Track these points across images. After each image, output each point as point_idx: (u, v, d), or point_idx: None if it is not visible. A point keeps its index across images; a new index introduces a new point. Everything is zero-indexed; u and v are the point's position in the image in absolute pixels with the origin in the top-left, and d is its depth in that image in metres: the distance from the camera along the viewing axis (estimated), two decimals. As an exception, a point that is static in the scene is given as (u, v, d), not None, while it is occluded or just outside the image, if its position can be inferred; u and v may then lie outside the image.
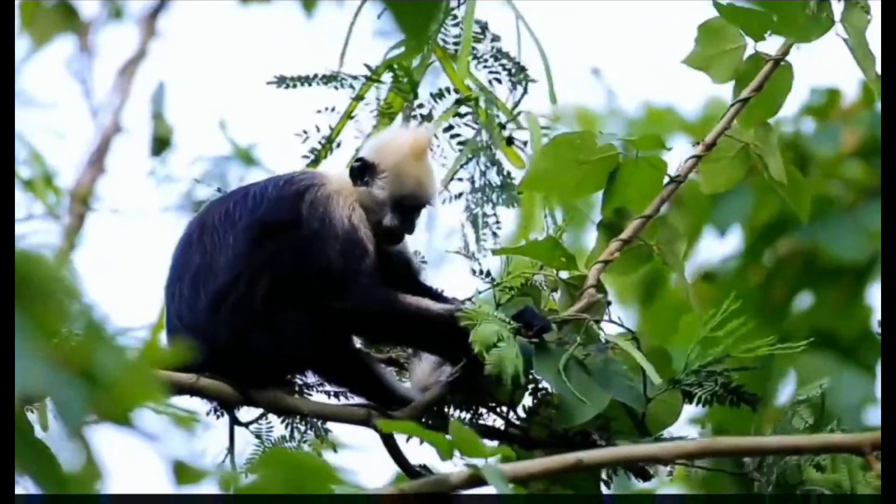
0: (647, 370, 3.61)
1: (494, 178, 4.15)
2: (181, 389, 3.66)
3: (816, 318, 7.36)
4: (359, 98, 4.20)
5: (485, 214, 4.10)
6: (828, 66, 4.15)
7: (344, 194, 3.75)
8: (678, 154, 4.07)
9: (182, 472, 2.41)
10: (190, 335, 3.68)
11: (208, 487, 2.49)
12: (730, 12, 4.00)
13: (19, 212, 6.08)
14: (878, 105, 7.35)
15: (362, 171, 3.79)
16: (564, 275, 3.91)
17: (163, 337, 3.80)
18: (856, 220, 7.30)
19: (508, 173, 4.14)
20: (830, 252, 7.28)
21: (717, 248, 7.52)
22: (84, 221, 6.40)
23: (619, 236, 3.96)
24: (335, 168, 4.02)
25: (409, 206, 3.79)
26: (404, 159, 3.80)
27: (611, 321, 3.80)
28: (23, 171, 6.08)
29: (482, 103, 4.19)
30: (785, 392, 7.24)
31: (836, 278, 7.35)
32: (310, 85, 4.16)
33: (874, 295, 7.39)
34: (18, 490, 2.38)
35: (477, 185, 4.14)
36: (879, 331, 3.28)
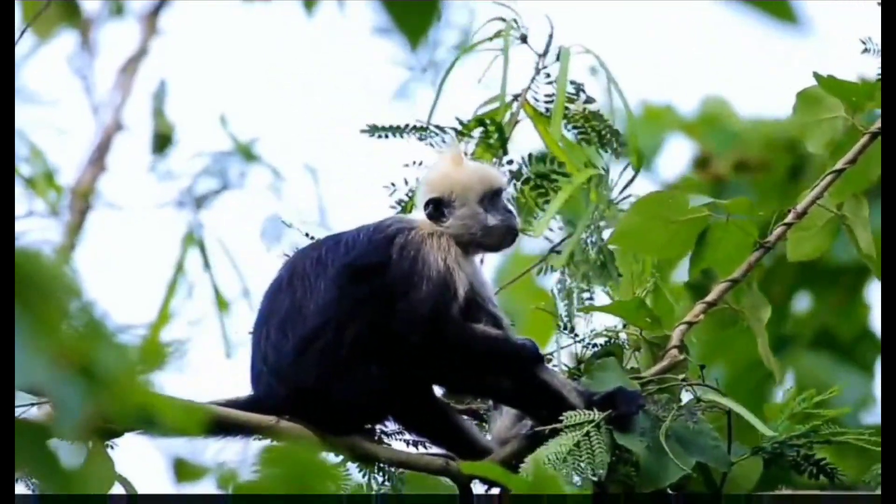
0: (755, 423, 3.63)
1: (595, 258, 4.14)
2: (261, 431, 3.68)
3: (815, 317, 7.35)
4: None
5: (580, 289, 4.10)
6: (827, 65, 4.14)
7: (437, 236, 3.78)
8: (674, 154, 4.08)
9: (183, 470, 2.41)
10: (274, 377, 3.70)
11: (209, 486, 2.49)
12: (829, 84, 4.00)
13: (20, 209, 6.08)
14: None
15: (438, 208, 3.83)
16: (648, 333, 3.93)
17: (164, 334, 3.81)
18: (855, 219, 7.28)
19: (611, 253, 4.13)
20: (829, 252, 7.26)
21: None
22: (85, 219, 6.40)
23: (704, 298, 3.98)
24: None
25: (491, 199, 3.84)
26: (454, 173, 3.85)
27: (703, 384, 3.81)
28: (24, 168, 6.07)
29: (595, 183, 4.18)
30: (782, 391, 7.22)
31: (834, 278, 7.34)
32: (401, 136, 4.18)
33: (873, 294, 7.38)
34: (19, 490, 2.38)
35: (576, 260, 4.13)
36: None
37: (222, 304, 5.92)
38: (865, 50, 4.08)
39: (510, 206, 3.89)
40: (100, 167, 6.70)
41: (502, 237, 3.84)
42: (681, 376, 3.85)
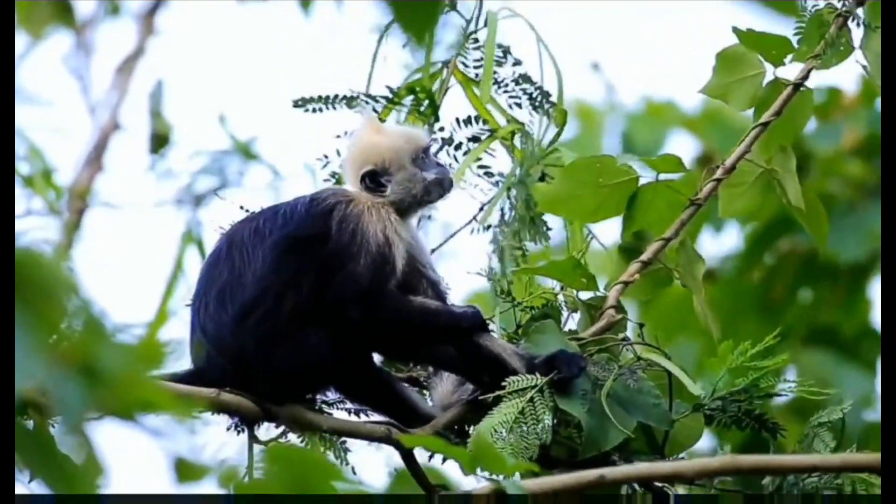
0: (686, 382, 3.62)
1: (524, 213, 4.14)
2: (202, 404, 3.65)
3: (816, 315, 7.35)
4: (380, 121, 4.21)
5: (512, 247, 4.10)
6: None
7: (376, 208, 3.79)
8: (676, 150, 4.05)
9: (184, 469, 2.41)
10: (214, 348, 3.68)
11: (209, 485, 2.49)
12: (749, 38, 4.00)
13: (19, 208, 6.07)
14: (878, 104, 7.35)
15: (374, 179, 3.85)
16: (585, 295, 3.92)
17: (162, 333, 3.79)
18: (856, 218, 7.30)
19: (538, 209, 4.13)
20: (830, 250, 7.28)
21: (718, 246, 7.51)
22: (83, 218, 6.39)
23: (639, 258, 3.97)
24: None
25: (422, 156, 3.87)
26: (378, 142, 3.88)
27: (643, 343, 3.80)
28: (22, 167, 6.07)
29: (517, 139, 4.19)
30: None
31: (835, 276, 7.35)
32: (333, 107, 4.18)
33: (874, 292, 7.39)
34: (19, 489, 2.37)
35: (507, 218, 4.14)
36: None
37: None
38: None
39: (438, 160, 3.93)
40: (97, 167, 6.69)
41: (442, 189, 3.87)
42: (620, 335, 3.84)
